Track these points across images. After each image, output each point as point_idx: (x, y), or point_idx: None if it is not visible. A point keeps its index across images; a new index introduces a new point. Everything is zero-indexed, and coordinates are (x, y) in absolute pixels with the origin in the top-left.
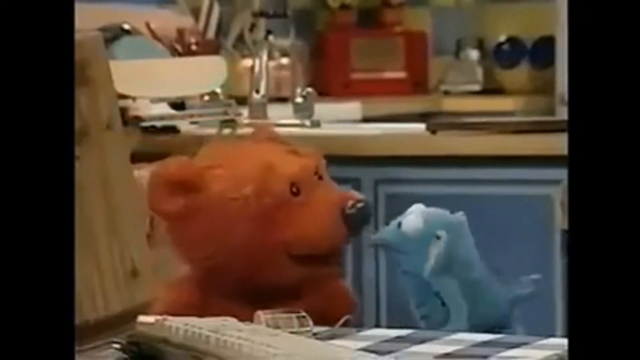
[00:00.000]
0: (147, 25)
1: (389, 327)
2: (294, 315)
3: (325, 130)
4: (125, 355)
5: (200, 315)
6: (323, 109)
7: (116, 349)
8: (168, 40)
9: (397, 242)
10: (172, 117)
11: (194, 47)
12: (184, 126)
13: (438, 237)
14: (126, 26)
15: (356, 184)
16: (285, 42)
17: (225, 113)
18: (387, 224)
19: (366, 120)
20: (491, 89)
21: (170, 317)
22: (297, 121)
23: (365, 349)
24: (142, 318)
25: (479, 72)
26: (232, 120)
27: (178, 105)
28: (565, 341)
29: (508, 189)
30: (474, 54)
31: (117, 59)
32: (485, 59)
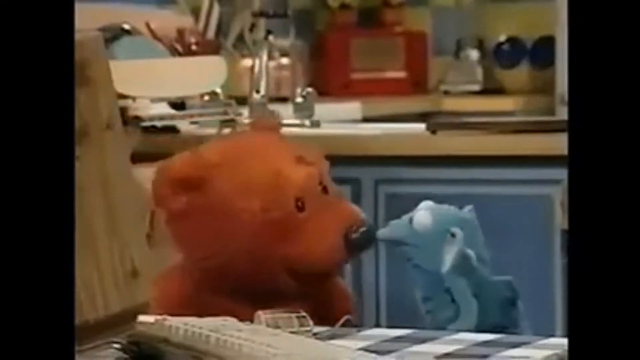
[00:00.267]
0: (147, 25)
1: (389, 327)
2: (294, 315)
3: (325, 130)
4: (125, 355)
5: (191, 308)
6: (323, 108)
7: (116, 348)
8: (168, 40)
9: (409, 237)
10: (172, 117)
11: (194, 47)
12: (184, 126)
13: (453, 235)
14: (126, 26)
15: (356, 184)
16: (285, 42)
17: (225, 113)
18: (387, 223)
19: (366, 120)
20: (491, 89)
21: (170, 317)
22: (297, 121)
23: (365, 349)
24: (142, 318)
25: (479, 72)
26: (232, 120)
27: (178, 105)
28: (565, 341)
29: (508, 189)
30: (474, 54)
31: (117, 59)
32: (485, 59)
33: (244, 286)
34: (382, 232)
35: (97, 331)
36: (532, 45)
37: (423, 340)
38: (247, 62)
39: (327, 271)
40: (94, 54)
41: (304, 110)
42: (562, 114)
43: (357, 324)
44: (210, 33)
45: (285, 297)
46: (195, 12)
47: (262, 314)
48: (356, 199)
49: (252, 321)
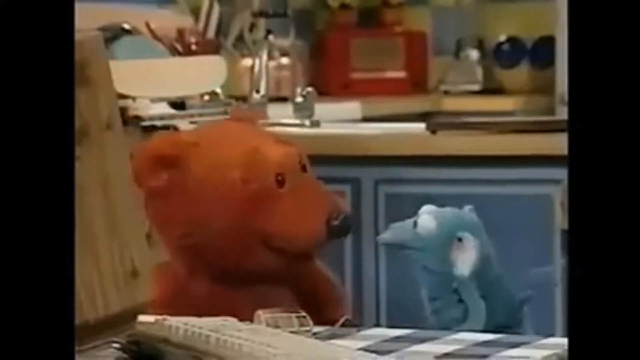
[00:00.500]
0: (147, 25)
1: (389, 326)
2: (293, 315)
3: (325, 130)
4: (125, 355)
5: (186, 296)
6: (323, 108)
7: (116, 348)
8: (168, 40)
9: (414, 241)
10: (172, 117)
11: (194, 47)
12: (184, 126)
13: (460, 239)
14: (126, 26)
15: (356, 184)
16: (285, 42)
17: (225, 113)
18: (387, 222)
19: (366, 120)
20: (491, 89)
21: (169, 317)
22: (297, 121)
23: (365, 349)
24: (142, 318)
25: (479, 72)
26: None
27: (178, 105)
28: (564, 340)
29: (508, 189)
30: (474, 54)
31: (117, 59)
32: (485, 59)
33: (224, 265)
34: (384, 237)
35: (97, 331)
36: (532, 45)
37: (423, 340)
38: (247, 62)
39: (306, 252)
40: (94, 53)
41: (304, 110)
42: (562, 113)
43: (357, 324)
44: (210, 33)
45: (266, 278)
46: (195, 12)
47: (261, 314)
48: (356, 198)
49: (235, 303)
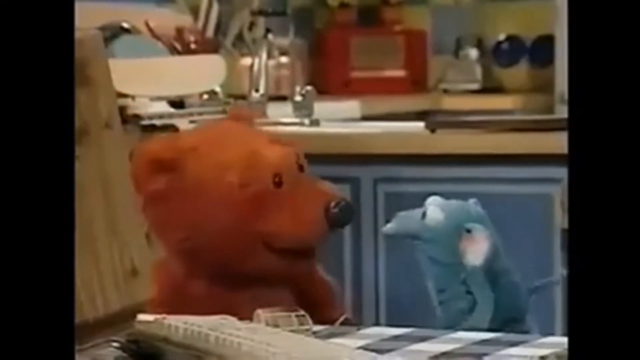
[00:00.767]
0: (146, 24)
1: (389, 325)
2: (293, 314)
3: (325, 128)
4: (124, 354)
5: (184, 295)
6: (322, 107)
7: (116, 347)
8: (167, 38)
9: (422, 232)
10: (171, 116)
11: (193, 46)
12: (183, 125)
13: (468, 231)
14: (125, 25)
15: (355, 183)
16: (285, 41)
17: (224, 112)
18: (387, 221)
19: (365, 118)
20: (490, 88)
21: (169, 316)
22: (297, 120)
23: (364, 348)
24: (141, 316)
25: (478, 71)
26: None
27: (177, 103)
28: (563, 339)
29: (507, 188)
30: (473, 53)
31: (117, 58)
32: (485, 58)
33: (223, 267)
34: (390, 227)
35: (96, 330)
36: (532, 44)
37: (422, 339)
38: (247, 60)
39: (307, 246)
40: (93, 52)
41: (303, 109)
42: (561, 112)
43: (356, 323)
44: (210, 32)
45: (265, 280)
46: (195, 11)
47: (261, 313)
48: (355, 197)
49: (233, 305)
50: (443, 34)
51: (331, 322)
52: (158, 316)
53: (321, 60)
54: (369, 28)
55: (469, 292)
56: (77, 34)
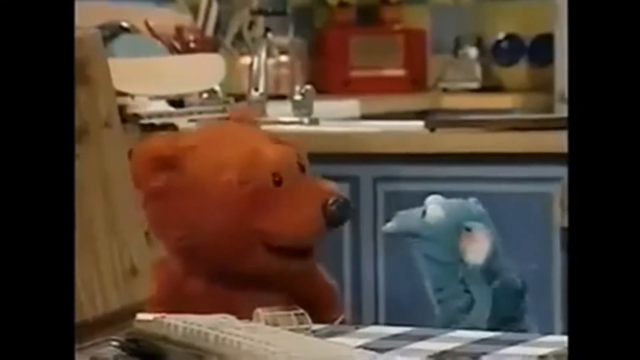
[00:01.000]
0: (146, 23)
1: (388, 324)
2: (292, 312)
3: (324, 127)
4: (124, 353)
5: (183, 294)
6: (322, 106)
7: (115, 346)
8: (167, 38)
9: (422, 230)
10: (170, 115)
11: (192, 45)
12: (183, 124)
13: (468, 229)
14: (125, 24)
15: (355, 182)
16: (284, 40)
17: (224, 111)
18: (386, 220)
19: (365, 117)
20: (490, 87)
21: (168, 315)
22: (296, 119)
23: (363, 347)
24: (141, 315)
25: (478, 70)
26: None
27: (177, 102)
28: (563, 338)
29: (507, 187)
30: (472, 52)
31: (116, 57)
32: (484, 57)
33: (222, 266)
34: (390, 226)
35: (96, 329)
36: (531, 43)
37: (421, 338)
38: (246, 59)
39: (306, 245)
40: (93, 52)
41: (303, 108)
42: (561, 111)
43: (355, 323)
44: (209, 31)
45: (264, 280)
46: (194, 10)
47: (260, 312)
48: (355, 196)
49: (231, 304)
50: (442, 33)
51: (328, 323)
52: (157, 315)
53: (321, 59)
54: (368, 27)
55: (467, 291)
56: (77, 33)
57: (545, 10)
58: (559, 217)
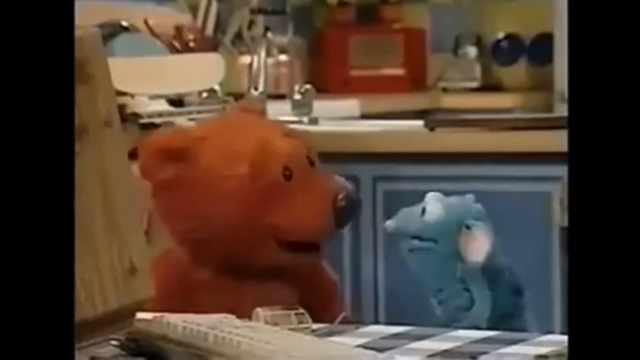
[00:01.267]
0: (146, 22)
1: (388, 323)
2: (292, 312)
3: (324, 127)
4: (123, 352)
5: (189, 284)
6: (321, 105)
7: (115, 345)
8: (166, 37)
9: (422, 230)
10: (170, 114)
11: (192, 44)
12: (182, 123)
13: (468, 227)
14: (124, 23)
15: (354, 181)
16: (284, 39)
17: (224, 110)
18: (386, 220)
19: (364, 117)
20: (489, 86)
21: (168, 314)
22: (296, 118)
23: (363, 346)
24: (140, 315)
25: (478, 69)
26: None
27: (176, 102)
28: (562, 338)
29: (506, 186)
30: (472, 51)
31: (116, 56)
32: (484, 56)
33: (230, 259)
34: (390, 224)
35: (96, 328)
36: (531, 42)
37: (421, 337)
38: (246, 59)
39: (315, 239)
40: (92, 51)
41: (303, 107)
42: (561, 110)
43: (355, 321)
44: (209, 30)
45: (271, 273)
46: (194, 9)
47: (260, 311)
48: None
49: (238, 299)
50: (442, 32)
51: (331, 318)
52: (157, 314)
53: (320, 58)
54: (368, 26)
55: (466, 290)
56: (77, 32)
57: (545, 9)
58: (559, 217)
